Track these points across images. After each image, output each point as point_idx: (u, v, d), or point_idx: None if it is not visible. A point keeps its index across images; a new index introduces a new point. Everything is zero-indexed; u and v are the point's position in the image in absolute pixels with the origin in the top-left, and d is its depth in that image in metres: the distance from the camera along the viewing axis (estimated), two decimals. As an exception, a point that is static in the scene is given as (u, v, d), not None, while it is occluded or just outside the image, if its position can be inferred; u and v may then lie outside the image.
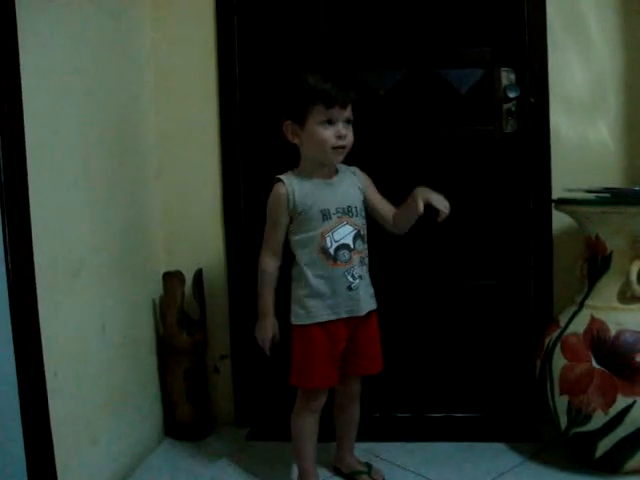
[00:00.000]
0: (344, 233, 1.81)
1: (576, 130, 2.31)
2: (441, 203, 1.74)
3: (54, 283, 1.67)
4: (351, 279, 1.82)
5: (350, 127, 1.81)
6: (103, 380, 1.93)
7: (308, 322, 1.82)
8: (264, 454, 2.20)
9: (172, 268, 2.32)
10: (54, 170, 1.70)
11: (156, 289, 2.34)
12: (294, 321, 1.85)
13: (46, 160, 1.65)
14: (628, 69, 2.29)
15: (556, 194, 2.19)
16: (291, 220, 1.83)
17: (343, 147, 1.79)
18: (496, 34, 2.33)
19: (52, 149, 1.69)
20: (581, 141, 2.30)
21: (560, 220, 2.24)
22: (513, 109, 2.33)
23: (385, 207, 1.91)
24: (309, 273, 1.81)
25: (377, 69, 2.36)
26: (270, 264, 1.86)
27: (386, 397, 2.39)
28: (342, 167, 1.91)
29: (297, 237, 1.83)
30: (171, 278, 2.30)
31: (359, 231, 1.85)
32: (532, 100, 2.29)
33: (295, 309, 1.85)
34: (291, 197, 1.80)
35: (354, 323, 1.86)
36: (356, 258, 1.83)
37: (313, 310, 1.81)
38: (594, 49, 2.29)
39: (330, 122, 1.76)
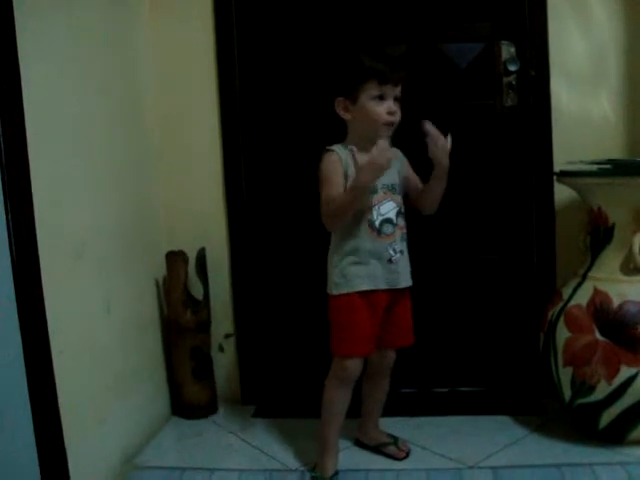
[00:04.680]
0: (389, 208, 1.85)
1: (577, 103, 2.30)
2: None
3: (58, 265, 1.67)
4: (392, 252, 1.85)
5: (398, 105, 1.83)
6: (109, 360, 1.94)
7: (349, 291, 1.83)
8: (270, 431, 2.21)
9: (175, 248, 2.32)
10: (56, 152, 1.70)
11: (159, 269, 2.34)
12: (334, 291, 1.86)
13: (47, 143, 1.64)
14: (630, 40, 2.27)
15: (558, 167, 2.18)
16: None
17: (392, 123, 1.82)
18: (496, 7, 2.31)
19: (53, 132, 1.68)
20: (582, 114, 2.29)
21: (562, 193, 2.24)
22: (514, 83, 2.31)
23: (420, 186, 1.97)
24: (352, 243, 1.83)
25: (377, 44, 2.32)
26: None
27: (392, 373, 2.40)
28: None
29: None
30: (174, 258, 2.30)
31: (400, 208, 1.89)
32: (532, 73, 2.27)
33: (334, 279, 1.86)
34: (344, 165, 1.81)
35: (392, 295, 1.89)
36: (398, 233, 1.87)
37: (354, 279, 1.83)
38: (595, 20, 2.27)
39: (381, 98, 1.80)
